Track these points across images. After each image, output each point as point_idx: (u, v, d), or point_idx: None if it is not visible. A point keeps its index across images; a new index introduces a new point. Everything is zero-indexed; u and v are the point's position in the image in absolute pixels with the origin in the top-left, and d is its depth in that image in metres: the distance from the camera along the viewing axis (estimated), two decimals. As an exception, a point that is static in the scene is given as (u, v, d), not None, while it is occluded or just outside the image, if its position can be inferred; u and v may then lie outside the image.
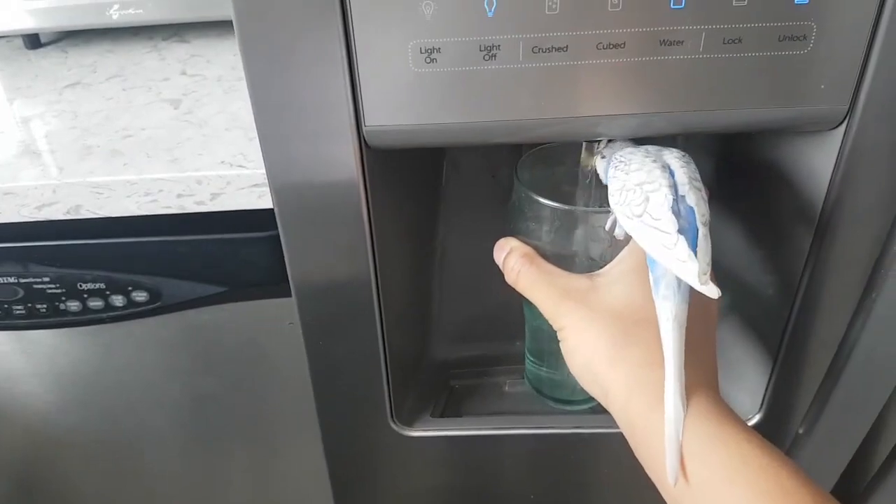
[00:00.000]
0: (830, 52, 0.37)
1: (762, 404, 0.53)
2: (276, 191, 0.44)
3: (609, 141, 0.44)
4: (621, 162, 0.39)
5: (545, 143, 0.50)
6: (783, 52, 0.37)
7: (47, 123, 0.60)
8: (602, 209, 0.46)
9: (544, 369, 0.55)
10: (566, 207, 0.45)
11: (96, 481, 0.76)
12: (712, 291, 0.34)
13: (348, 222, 0.44)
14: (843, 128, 0.40)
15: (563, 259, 0.44)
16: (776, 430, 0.54)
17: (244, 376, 0.65)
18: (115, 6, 0.66)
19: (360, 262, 0.46)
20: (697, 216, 0.36)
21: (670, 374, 0.35)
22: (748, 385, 0.54)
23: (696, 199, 0.37)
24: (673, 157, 0.39)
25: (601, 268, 0.42)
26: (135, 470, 0.74)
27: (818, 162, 0.42)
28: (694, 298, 0.38)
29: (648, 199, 0.36)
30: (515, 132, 0.40)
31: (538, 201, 0.45)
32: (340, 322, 0.49)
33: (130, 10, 0.66)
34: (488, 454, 0.55)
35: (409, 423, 0.55)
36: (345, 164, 0.41)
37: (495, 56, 0.36)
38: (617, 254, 0.42)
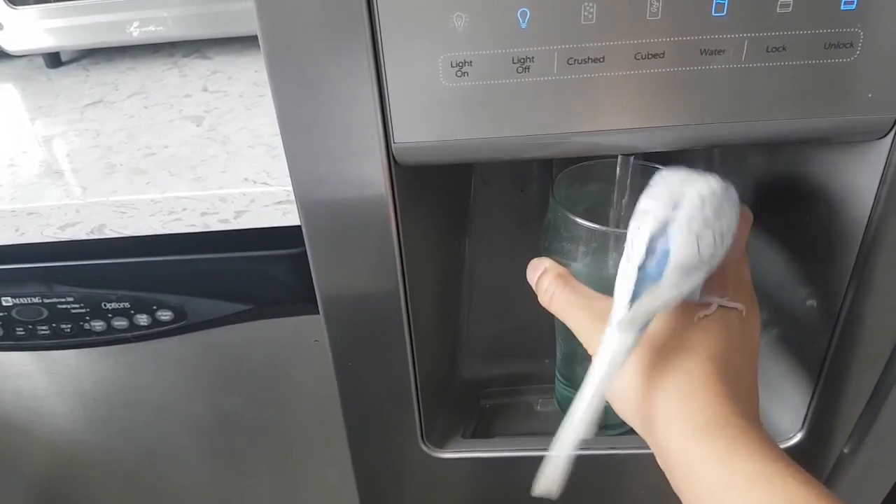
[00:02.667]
0: (878, 60, 0.35)
1: (804, 423, 0.52)
2: (304, 208, 0.43)
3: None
4: (650, 185, 0.38)
5: (581, 161, 0.49)
6: (829, 59, 0.35)
7: (69, 142, 0.60)
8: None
9: (574, 392, 0.53)
10: (603, 228, 0.44)
11: (119, 499, 0.76)
12: (613, 339, 0.34)
13: (377, 239, 0.43)
14: (890, 138, 0.38)
15: (598, 281, 0.42)
16: (819, 450, 0.53)
17: (268, 394, 0.65)
18: (136, 23, 0.66)
19: (389, 280, 0.45)
20: (671, 261, 0.34)
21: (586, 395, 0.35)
22: (789, 403, 0.52)
23: (682, 243, 0.34)
24: (697, 189, 0.36)
25: None
26: (157, 488, 0.74)
27: (863, 174, 0.41)
28: (735, 329, 0.37)
29: (639, 227, 0.35)
30: (549, 146, 0.38)
31: (574, 221, 0.44)
32: (369, 341, 0.48)
33: (151, 28, 0.66)
34: (521, 476, 0.54)
35: (440, 445, 0.54)
36: (373, 180, 0.40)
37: (529, 68, 0.35)
38: None
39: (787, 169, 0.49)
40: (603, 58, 0.35)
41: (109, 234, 0.53)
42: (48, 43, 0.69)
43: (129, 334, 0.58)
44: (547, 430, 0.55)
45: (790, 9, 0.34)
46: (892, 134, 0.38)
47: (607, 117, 0.37)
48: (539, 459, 0.53)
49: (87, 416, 0.67)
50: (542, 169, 0.54)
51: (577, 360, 0.53)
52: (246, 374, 0.63)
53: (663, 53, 0.35)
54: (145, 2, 0.66)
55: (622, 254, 0.41)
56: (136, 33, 0.66)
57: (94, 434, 0.68)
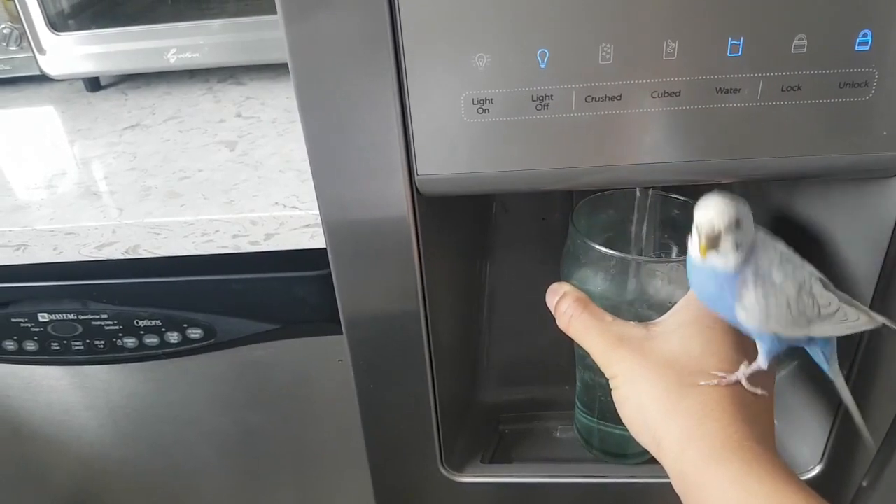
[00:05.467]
0: (893, 99, 0.36)
1: (823, 455, 0.51)
2: (331, 234, 0.44)
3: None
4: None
5: (600, 191, 0.50)
6: (844, 98, 0.36)
7: (107, 165, 0.62)
8: (657, 258, 0.46)
9: (594, 420, 0.54)
10: (622, 256, 0.45)
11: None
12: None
13: (399, 263, 0.44)
14: (906, 174, 0.39)
15: (617, 307, 0.44)
16: (838, 483, 0.52)
17: (292, 411, 0.66)
18: (173, 50, 0.68)
19: (411, 303, 0.46)
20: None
21: None
22: (809, 435, 0.52)
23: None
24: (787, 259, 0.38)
25: (658, 317, 0.42)
26: (182, 502, 0.75)
27: (880, 211, 0.41)
28: (749, 354, 0.38)
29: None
30: (567, 179, 0.39)
31: (594, 248, 0.45)
32: (391, 363, 0.49)
33: (187, 54, 0.68)
34: (539, 502, 0.55)
35: (460, 469, 0.54)
36: (397, 208, 0.42)
37: (548, 105, 0.37)
38: (669, 304, 0.42)
39: (803, 206, 0.49)
40: (620, 96, 0.36)
41: (144, 254, 0.55)
42: (89, 68, 0.72)
43: (159, 351, 0.60)
44: (566, 455, 0.56)
45: (805, 49, 0.35)
46: (905, 172, 0.39)
47: (624, 152, 0.38)
48: (558, 486, 0.54)
49: (116, 431, 0.69)
50: (563, 197, 0.55)
51: (597, 389, 0.53)
52: (271, 391, 0.64)
53: (679, 92, 0.36)
54: (183, 30, 0.68)
55: (640, 280, 0.42)
56: (173, 60, 0.68)
57: (122, 448, 0.70)
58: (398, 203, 0.41)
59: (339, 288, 0.47)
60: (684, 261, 0.43)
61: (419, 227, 0.42)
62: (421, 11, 0.35)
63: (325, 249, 0.51)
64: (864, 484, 0.52)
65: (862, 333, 0.45)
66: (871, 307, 0.43)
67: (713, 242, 0.35)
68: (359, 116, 0.39)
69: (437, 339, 0.48)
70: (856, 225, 0.44)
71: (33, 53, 0.70)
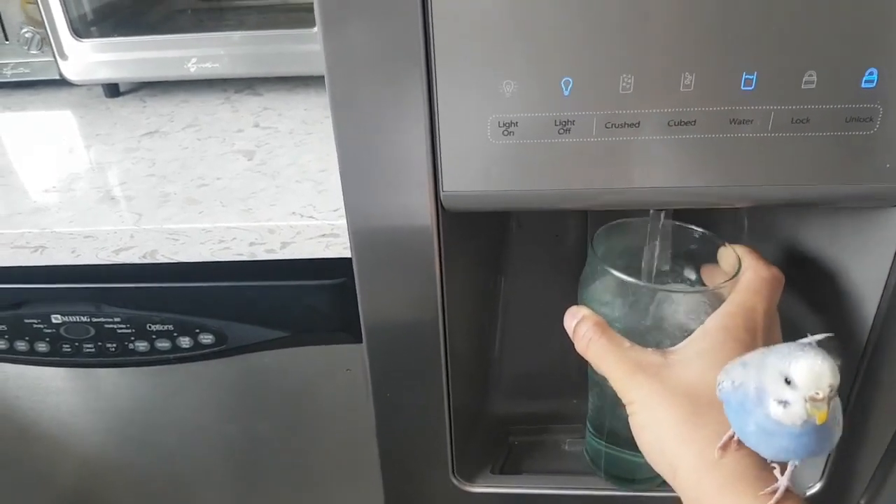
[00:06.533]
0: (896, 133, 0.38)
1: (823, 474, 0.53)
2: (356, 242, 0.46)
3: None
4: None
5: (619, 216, 0.50)
6: (850, 132, 0.38)
7: (126, 170, 0.63)
8: (675, 287, 0.46)
9: (603, 443, 0.54)
10: (640, 283, 0.46)
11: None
12: None
13: (421, 275, 0.46)
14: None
15: (632, 332, 0.44)
16: (837, 501, 0.54)
17: (299, 420, 0.66)
18: (193, 59, 0.70)
19: (430, 314, 0.47)
20: None
21: None
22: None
23: None
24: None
25: (672, 345, 0.43)
26: (186, 505, 0.76)
27: (882, 241, 0.43)
28: None
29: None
30: (585, 200, 0.41)
31: (612, 274, 0.45)
32: (408, 372, 0.50)
33: (207, 65, 0.69)
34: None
35: (470, 479, 0.56)
36: (422, 222, 0.43)
37: (569, 130, 0.38)
38: (684, 332, 0.43)
39: (809, 236, 0.51)
40: (638, 123, 0.38)
41: (161, 259, 0.55)
42: (110, 74, 0.73)
43: (170, 356, 0.61)
44: (575, 468, 0.57)
45: (814, 85, 0.37)
46: (906, 203, 0.41)
47: (640, 176, 0.40)
48: (566, 498, 0.55)
49: (122, 435, 0.69)
50: (577, 218, 0.56)
51: (607, 413, 0.53)
52: (279, 399, 0.65)
53: (695, 121, 0.38)
54: (204, 40, 0.70)
55: (656, 308, 0.43)
56: (193, 69, 0.70)
57: (127, 452, 0.71)
58: (423, 216, 0.43)
59: (361, 295, 0.48)
60: (699, 291, 0.45)
61: (441, 241, 0.44)
62: (453, 37, 0.37)
63: (338, 259, 0.52)
64: (863, 502, 0.53)
65: (862, 357, 0.47)
66: (872, 329, 0.45)
67: (828, 403, 0.32)
68: (389, 131, 0.40)
69: (454, 350, 0.49)
70: (859, 254, 0.45)
71: (55, 58, 0.72)
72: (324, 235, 0.53)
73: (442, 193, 0.41)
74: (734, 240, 0.47)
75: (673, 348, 0.42)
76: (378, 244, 0.45)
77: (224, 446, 0.69)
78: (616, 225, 0.50)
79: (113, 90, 0.78)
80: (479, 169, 0.40)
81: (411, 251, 0.45)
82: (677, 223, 0.48)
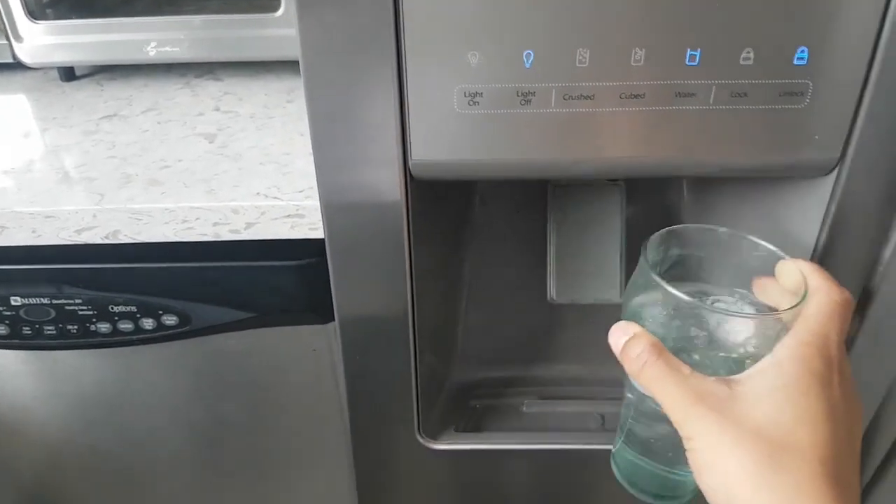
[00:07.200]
0: (825, 107, 0.42)
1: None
2: (328, 216, 0.47)
3: None
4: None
5: (582, 189, 0.53)
6: (783, 105, 0.41)
7: (86, 152, 0.62)
8: (739, 311, 0.42)
9: (645, 461, 0.48)
10: (697, 302, 0.39)
11: (112, 500, 0.77)
12: None
13: (391, 245, 0.47)
14: (833, 175, 0.45)
15: (678, 353, 0.40)
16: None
17: (264, 401, 0.67)
18: (153, 43, 0.70)
19: (399, 284, 0.49)
20: None
21: None
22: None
23: None
24: None
25: (729, 373, 0.39)
26: (149, 492, 0.75)
27: (810, 209, 0.47)
28: (842, 428, 0.36)
29: None
30: (544, 170, 0.44)
31: (665, 289, 0.39)
32: (377, 340, 0.52)
33: (167, 48, 0.69)
34: (507, 468, 0.59)
35: (435, 437, 0.58)
36: (391, 192, 0.45)
37: (530, 101, 0.41)
38: (748, 358, 0.39)
39: (743, 208, 0.55)
40: (593, 96, 0.41)
41: (124, 239, 0.56)
42: (66, 57, 0.72)
43: (133, 337, 0.60)
44: (531, 427, 0.60)
45: (752, 62, 0.40)
46: (836, 170, 0.44)
47: (596, 147, 0.43)
48: (522, 453, 0.58)
49: (84, 418, 0.69)
50: (539, 191, 0.59)
51: (650, 435, 0.47)
52: (243, 380, 0.66)
53: (644, 94, 0.41)
54: (164, 24, 0.69)
55: (711, 330, 0.40)
56: (153, 53, 0.70)
57: (89, 436, 0.70)
58: (392, 187, 0.45)
59: (333, 266, 0.50)
60: (766, 315, 0.40)
61: (410, 212, 0.46)
62: (422, 11, 0.39)
63: (304, 241, 0.53)
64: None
65: None
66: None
67: None
68: (361, 105, 0.42)
69: (422, 319, 0.51)
70: (791, 223, 0.49)
71: (8, 40, 0.71)
72: (289, 216, 0.54)
73: (411, 162, 0.43)
74: (678, 216, 0.50)
75: (738, 378, 0.38)
76: (349, 217, 0.47)
77: (189, 428, 0.69)
78: (671, 231, 0.44)
79: (69, 74, 0.77)
80: (447, 138, 0.42)
81: (382, 223, 0.47)
82: (733, 232, 0.44)
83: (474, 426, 0.59)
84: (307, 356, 0.62)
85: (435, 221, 0.52)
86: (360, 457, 0.59)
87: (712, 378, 0.37)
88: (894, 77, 0.41)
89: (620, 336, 0.40)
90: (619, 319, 0.42)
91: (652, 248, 0.43)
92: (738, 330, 0.39)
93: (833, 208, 0.46)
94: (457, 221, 0.60)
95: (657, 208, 0.56)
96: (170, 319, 0.60)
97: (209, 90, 0.74)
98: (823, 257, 0.48)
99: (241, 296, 0.59)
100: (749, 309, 0.43)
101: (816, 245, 0.48)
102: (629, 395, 0.46)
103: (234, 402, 0.67)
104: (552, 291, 0.53)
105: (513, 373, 0.63)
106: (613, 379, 0.58)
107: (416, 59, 0.40)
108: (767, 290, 0.42)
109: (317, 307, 0.57)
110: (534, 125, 0.42)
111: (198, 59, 0.71)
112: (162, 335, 0.61)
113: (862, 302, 0.50)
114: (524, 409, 0.62)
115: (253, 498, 0.75)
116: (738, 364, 0.38)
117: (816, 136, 0.43)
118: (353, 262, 0.49)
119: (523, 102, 0.41)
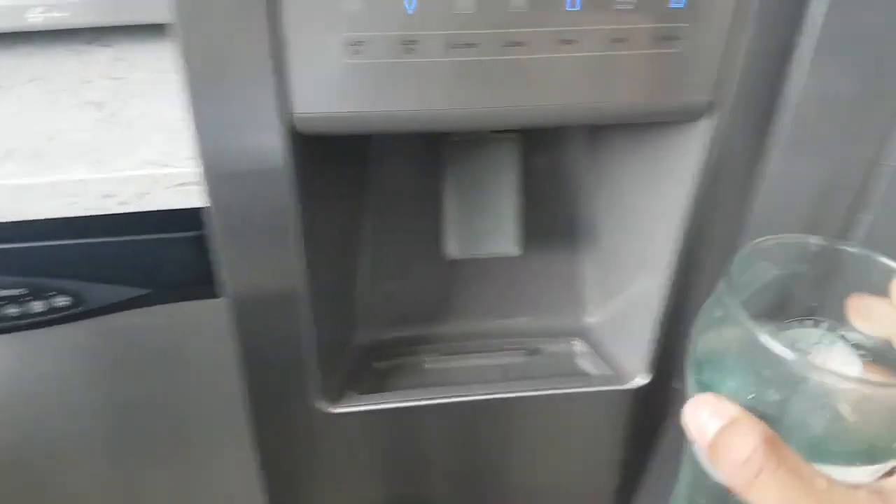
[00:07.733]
0: (699, 51, 0.43)
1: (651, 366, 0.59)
2: (210, 181, 0.46)
3: None
4: None
5: (476, 142, 0.52)
6: (661, 49, 0.42)
7: (-40, 126, 0.59)
8: (866, 379, 0.28)
9: None
10: (809, 363, 0.26)
11: (11, 497, 0.73)
12: None
13: (279, 207, 0.46)
14: (707, 120, 0.46)
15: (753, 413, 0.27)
16: (662, 391, 0.60)
17: (166, 380, 0.65)
18: (39, 9, 0.66)
19: (291, 250, 0.48)
20: None
21: None
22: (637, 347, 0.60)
23: None
24: None
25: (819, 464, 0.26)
26: (51, 483, 0.72)
27: (687, 152, 0.49)
28: None
29: None
30: (434, 121, 0.44)
31: (754, 335, 0.27)
32: (272, 311, 0.51)
33: (54, 14, 0.66)
34: (412, 426, 0.59)
35: (336, 401, 0.57)
36: (275, 151, 0.44)
37: (414, 50, 0.41)
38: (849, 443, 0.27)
39: (624, 156, 0.56)
40: (477, 44, 0.41)
41: (4, 218, 0.53)
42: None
43: (21, 322, 0.58)
44: (433, 383, 0.61)
45: (630, 6, 0.41)
46: (712, 114, 0.46)
47: (481, 96, 0.43)
48: (426, 408, 0.58)
49: (-28, 410, 0.65)
50: (436, 147, 0.59)
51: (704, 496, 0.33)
52: (145, 360, 0.64)
53: (526, 42, 0.41)
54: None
55: (808, 395, 0.26)
56: (39, 19, 0.66)
57: (-20, 429, 0.67)
58: (277, 145, 0.44)
59: (219, 236, 0.48)
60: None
61: (297, 173, 0.45)
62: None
63: (197, 210, 0.51)
64: (677, 387, 0.60)
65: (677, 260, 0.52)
66: (686, 239, 0.50)
67: None
68: (237, 58, 0.41)
69: (317, 286, 0.50)
70: (669, 168, 0.51)
71: None
72: (182, 184, 0.52)
73: (295, 115, 0.42)
74: (575, 170, 0.51)
75: (883, 485, 0.27)
76: (233, 183, 0.45)
77: (92, 414, 0.67)
78: (762, 248, 0.32)
79: (-60, 45, 0.72)
80: (332, 90, 0.41)
81: (267, 183, 0.45)
82: (829, 244, 0.32)
83: (377, 387, 0.59)
84: (208, 332, 0.61)
85: (326, 181, 0.51)
86: (262, 430, 0.59)
87: (861, 489, 0.26)
88: (766, 22, 0.43)
89: (708, 419, 0.27)
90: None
91: (740, 268, 0.30)
92: (847, 399, 0.26)
93: (708, 154, 0.48)
94: (352, 182, 0.59)
95: (555, 161, 0.56)
96: (61, 301, 0.58)
97: (98, 57, 0.70)
98: (698, 202, 0.49)
99: (136, 272, 0.57)
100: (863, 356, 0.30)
101: (693, 192, 0.49)
102: (686, 459, 0.33)
103: (137, 382, 0.65)
104: (449, 247, 0.54)
105: (415, 331, 0.63)
106: (514, 330, 0.61)
107: (292, 5, 0.39)
108: (872, 314, 0.31)
109: (213, 280, 0.56)
110: (419, 74, 0.41)
111: (87, 24, 0.67)
112: (54, 318, 0.58)
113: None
114: (426, 366, 0.62)
115: (165, 479, 0.74)
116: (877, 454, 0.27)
117: (692, 81, 0.44)
118: (240, 230, 0.48)
119: (407, 51, 0.41)
